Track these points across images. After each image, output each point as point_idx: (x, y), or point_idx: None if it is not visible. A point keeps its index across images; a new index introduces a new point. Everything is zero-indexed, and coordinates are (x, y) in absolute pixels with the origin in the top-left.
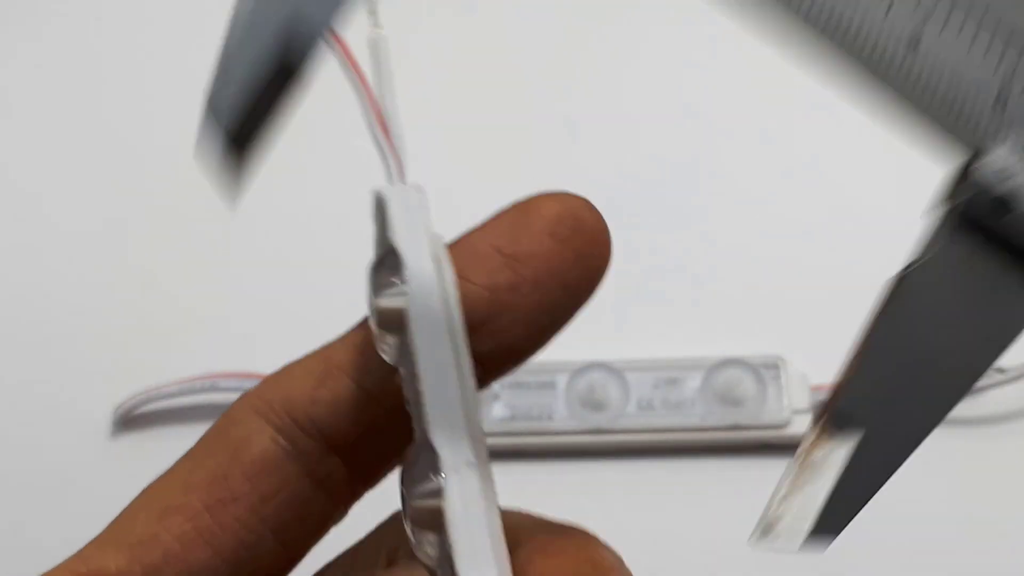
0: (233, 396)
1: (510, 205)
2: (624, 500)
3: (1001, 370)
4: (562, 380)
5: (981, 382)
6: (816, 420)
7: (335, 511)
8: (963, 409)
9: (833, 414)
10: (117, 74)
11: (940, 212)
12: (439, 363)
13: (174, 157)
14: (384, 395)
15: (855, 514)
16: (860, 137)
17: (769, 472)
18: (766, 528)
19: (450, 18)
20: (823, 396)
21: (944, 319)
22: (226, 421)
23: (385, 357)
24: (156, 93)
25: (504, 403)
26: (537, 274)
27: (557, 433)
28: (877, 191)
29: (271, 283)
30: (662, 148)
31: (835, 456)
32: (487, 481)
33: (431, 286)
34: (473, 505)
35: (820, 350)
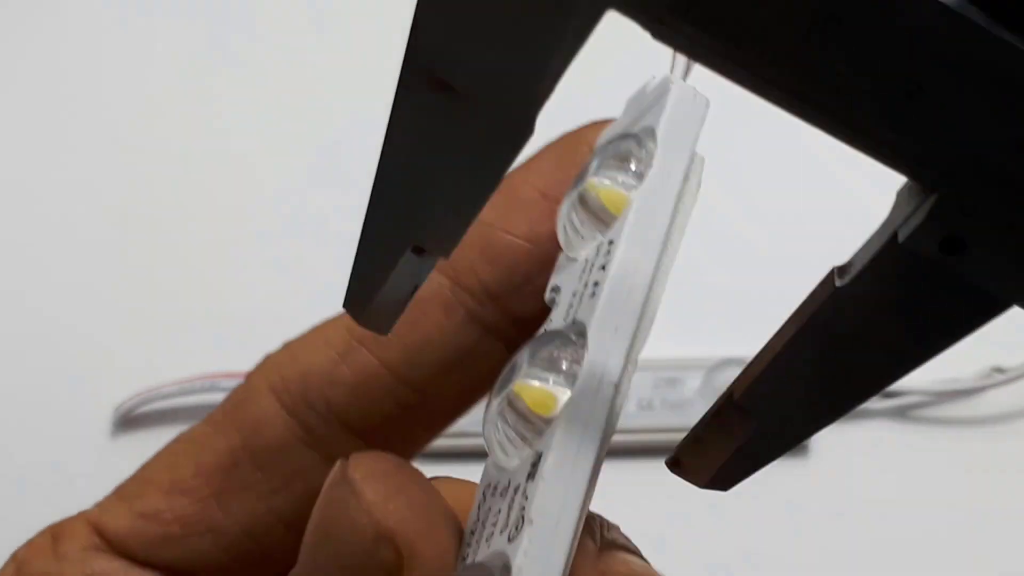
0: None
1: (556, 139)
2: (624, 500)
3: (1001, 370)
4: None
5: (980, 382)
6: (725, 397)
7: None
8: (963, 409)
9: (736, 402)
10: (118, 74)
11: (886, 229)
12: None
13: (174, 158)
14: (412, 374)
15: (744, 478)
16: None
17: (769, 472)
18: (674, 462)
19: None
20: None
21: (864, 336)
22: (242, 395)
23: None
24: (157, 94)
25: None
26: None
27: None
28: (880, 192)
29: (271, 283)
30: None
31: (735, 432)
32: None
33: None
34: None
35: None
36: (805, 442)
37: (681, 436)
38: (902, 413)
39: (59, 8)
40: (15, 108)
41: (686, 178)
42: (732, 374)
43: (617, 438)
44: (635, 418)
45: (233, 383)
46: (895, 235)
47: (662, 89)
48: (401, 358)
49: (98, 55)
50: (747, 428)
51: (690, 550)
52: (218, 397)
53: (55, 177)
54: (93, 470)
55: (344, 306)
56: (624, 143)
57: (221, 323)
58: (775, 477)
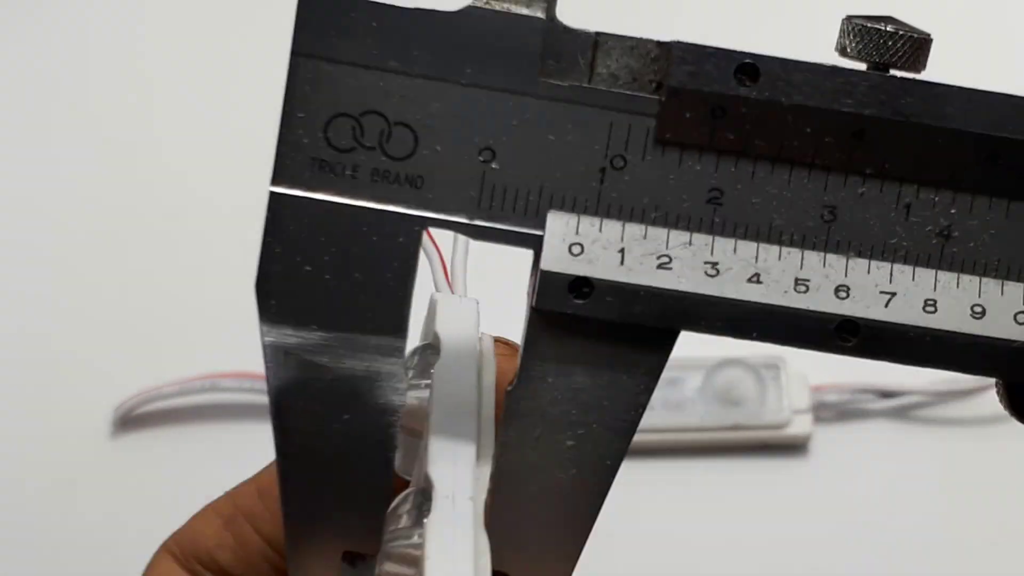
0: (233, 396)
1: None
2: (624, 500)
3: None
4: None
5: (980, 382)
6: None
7: None
8: (963, 409)
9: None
10: (119, 75)
11: (527, 315)
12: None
13: (175, 158)
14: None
15: None
16: None
17: (769, 472)
18: None
19: None
20: (823, 396)
21: (561, 426)
22: (151, 560)
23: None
24: (158, 96)
25: None
26: None
27: None
28: None
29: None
30: None
31: None
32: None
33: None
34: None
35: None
36: (804, 442)
37: (681, 436)
38: (902, 413)
39: (56, 7)
40: (16, 107)
41: (480, 353)
42: (732, 374)
43: None
44: None
45: (233, 383)
46: (530, 311)
47: (432, 306)
48: (274, 532)
49: (93, 54)
50: None
51: (690, 549)
52: (218, 397)
53: (55, 177)
54: (93, 470)
55: None
56: (422, 355)
57: (221, 323)
58: (775, 477)
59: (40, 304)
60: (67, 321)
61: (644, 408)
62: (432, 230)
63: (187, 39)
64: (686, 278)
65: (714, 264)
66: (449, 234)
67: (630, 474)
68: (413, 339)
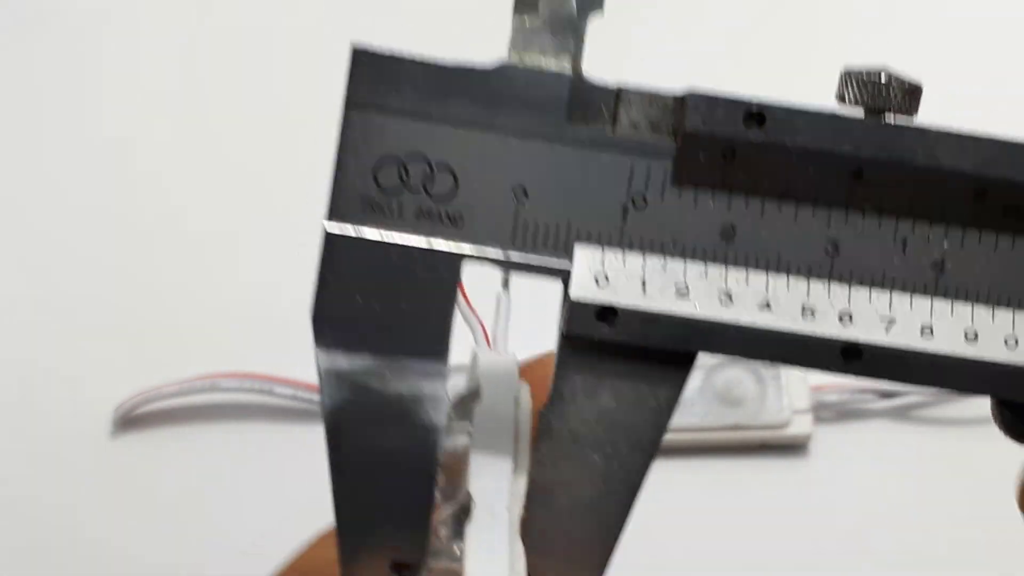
0: (233, 396)
1: None
2: None
3: None
4: None
5: None
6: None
7: None
8: (963, 409)
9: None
10: (121, 75)
11: (558, 341)
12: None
13: (175, 158)
14: None
15: None
16: None
17: (769, 472)
18: None
19: None
20: (823, 396)
21: (589, 445)
22: None
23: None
24: (158, 95)
25: None
26: None
27: None
28: None
29: (271, 284)
30: None
31: None
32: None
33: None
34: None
35: None
36: (804, 441)
37: (681, 436)
38: (902, 413)
39: (57, 9)
40: (17, 106)
41: (516, 403)
42: (732, 374)
43: None
44: None
45: (233, 383)
46: (561, 337)
47: (473, 359)
48: None
49: (93, 52)
50: None
51: (690, 548)
52: (218, 397)
53: (56, 177)
54: (93, 470)
55: None
56: (464, 401)
57: (221, 323)
58: (775, 477)
59: (40, 304)
60: (67, 321)
61: (665, 428)
62: (472, 298)
63: (183, 39)
64: (703, 306)
65: (728, 293)
66: (490, 302)
67: None
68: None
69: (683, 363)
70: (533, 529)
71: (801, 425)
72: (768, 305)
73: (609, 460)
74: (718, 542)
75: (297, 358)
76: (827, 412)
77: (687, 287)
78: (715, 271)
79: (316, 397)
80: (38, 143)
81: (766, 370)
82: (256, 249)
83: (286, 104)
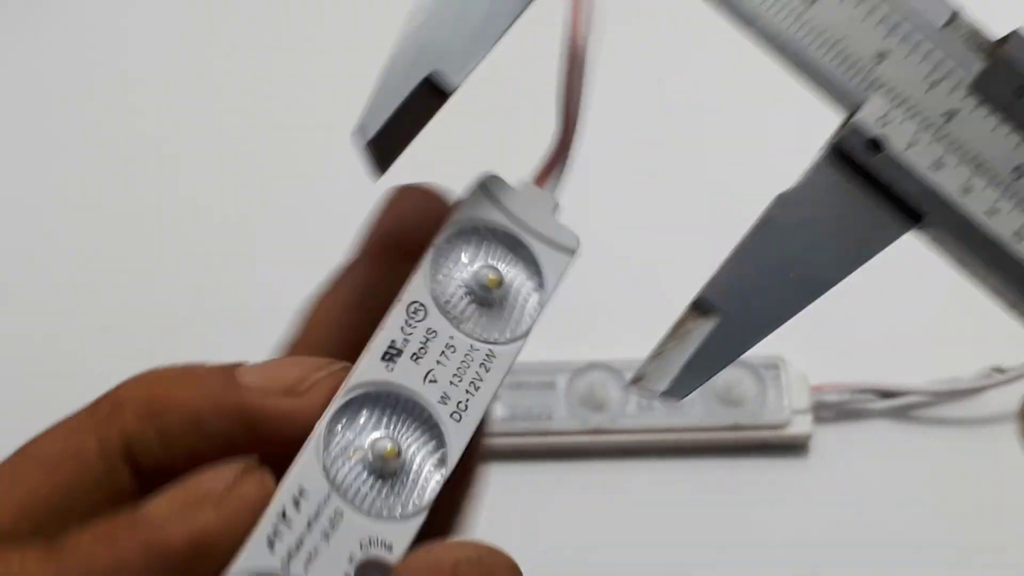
0: None
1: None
2: (624, 500)
3: (1001, 370)
4: (562, 380)
5: (980, 382)
6: (691, 304)
7: None
8: (963, 409)
9: (700, 299)
10: (124, 75)
11: (823, 149)
12: None
13: (176, 158)
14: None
15: (701, 383)
16: None
17: (769, 472)
18: (636, 378)
19: None
20: (823, 396)
21: (808, 234)
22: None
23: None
24: (159, 95)
25: (504, 403)
26: None
27: (557, 433)
28: None
29: (271, 283)
30: (661, 147)
31: (697, 333)
32: None
33: None
34: None
35: (820, 350)
36: (804, 441)
37: (681, 436)
38: (902, 413)
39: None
40: (17, 106)
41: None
42: (732, 374)
43: (617, 438)
44: (635, 418)
45: None
46: (831, 146)
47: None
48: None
49: (88, 53)
50: (708, 327)
51: (689, 549)
52: None
53: (56, 176)
54: None
55: (353, 134)
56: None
57: (221, 323)
58: (775, 477)
59: (40, 304)
60: (67, 321)
61: (861, 264)
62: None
63: (176, 37)
64: (947, 184)
65: (968, 188)
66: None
67: (630, 474)
68: None
69: (909, 219)
70: (735, 269)
71: (801, 425)
72: (995, 213)
73: (814, 254)
74: (718, 542)
75: None
76: (827, 412)
77: (942, 166)
78: (965, 170)
79: None
80: (39, 140)
81: (766, 370)
82: (256, 249)
83: (286, 105)
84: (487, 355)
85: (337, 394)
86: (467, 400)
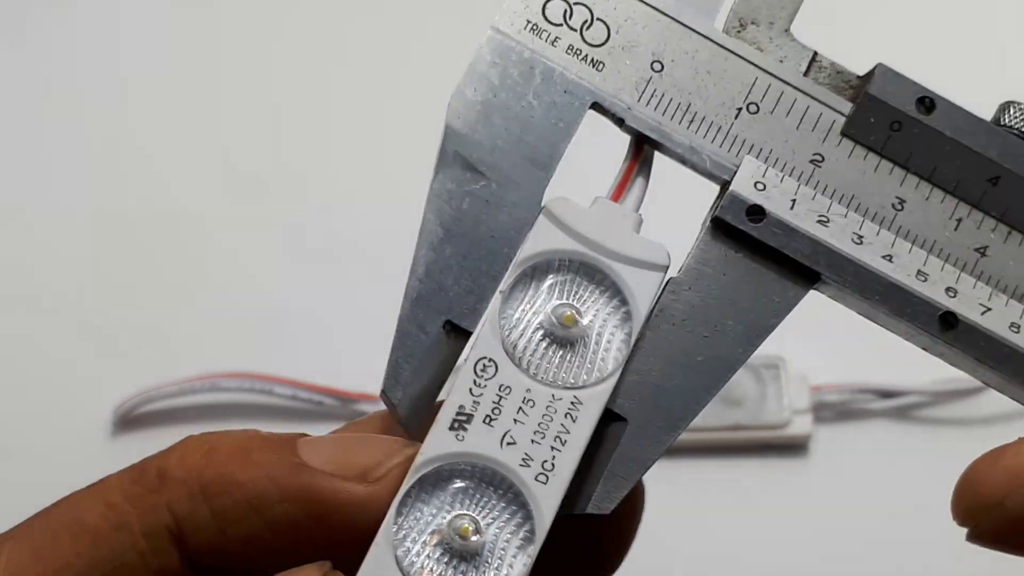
0: (233, 396)
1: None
2: None
3: None
4: None
5: (980, 382)
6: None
7: None
8: (963, 409)
9: (607, 409)
10: (127, 75)
11: (705, 223)
12: None
13: (178, 159)
14: None
15: (625, 492)
16: None
17: (769, 472)
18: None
19: None
20: (823, 396)
21: (707, 316)
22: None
23: None
24: (160, 99)
25: None
26: None
27: None
28: None
29: (271, 284)
30: None
31: (608, 445)
32: None
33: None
34: None
35: (820, 350)
36: (804, 441)
37: (682, 436)
38: (902, 413)
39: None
40: (18, 105)
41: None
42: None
43: None
44: None
45: (233, 383)
46: (712, 219)
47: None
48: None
49: (86, 53)
50: (617, 437)
51: (689, 549)
52: (218, 397)
53: (56, 176)
54: (93, 470)
55: (381, 393)
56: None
57: (221, 323)
58: (775, 477)
59: (39, 304)
60: (67, 321)
61: (770, 331)
62: None
63: (171, 44)
64: (837, 239)
65: (860, 236)
66: None
67: None
68: None
69: (802, 282)
70: (639, 368)
71: (801, 425)
72: (891, 258)
73: (714, 337)
74: (718, 542)
75: (297, 358)
76: (827, 412)
77: (828, 219)
78: (854, 216)
79: (315, 397)
80: (39, 140)
81: (766, 370)
82: (256, 249)
83: (286, 106)
84: (572, 403)
85: (407, 475)
86: (553, 458)
